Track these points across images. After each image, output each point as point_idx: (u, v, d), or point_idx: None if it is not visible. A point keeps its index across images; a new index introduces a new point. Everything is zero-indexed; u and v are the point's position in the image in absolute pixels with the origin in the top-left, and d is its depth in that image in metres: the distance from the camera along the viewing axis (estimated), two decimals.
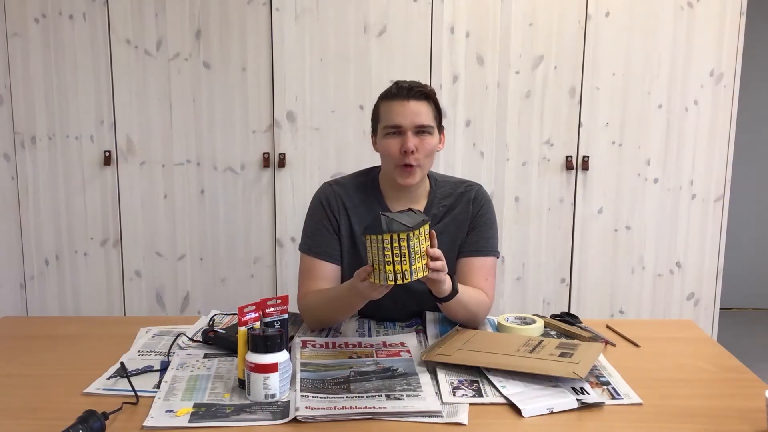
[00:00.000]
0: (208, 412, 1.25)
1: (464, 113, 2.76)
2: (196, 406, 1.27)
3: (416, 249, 1.36)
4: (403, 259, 1.34)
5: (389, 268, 1.34)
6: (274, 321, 1.44)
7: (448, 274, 1.51)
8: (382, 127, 1.67)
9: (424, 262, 1.39)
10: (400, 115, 1.63)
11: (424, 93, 1.65)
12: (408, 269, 1.35)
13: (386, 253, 1.34)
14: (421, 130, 1.64)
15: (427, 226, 1.43)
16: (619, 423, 1.24)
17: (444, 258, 1.46)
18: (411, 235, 1.34)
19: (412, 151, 1.62)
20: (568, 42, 2.73)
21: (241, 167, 2.79)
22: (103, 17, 2.70)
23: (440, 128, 1.71)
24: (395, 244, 1.34)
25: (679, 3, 2.71)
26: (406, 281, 1.35)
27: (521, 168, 2.80)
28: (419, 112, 1.63)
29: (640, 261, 2.86)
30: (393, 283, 1.36)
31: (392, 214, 1.37)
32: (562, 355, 1.43)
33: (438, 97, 1.71)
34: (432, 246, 1.44)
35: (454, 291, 1.54)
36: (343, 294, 1.57)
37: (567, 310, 2.56)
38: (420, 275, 1.38)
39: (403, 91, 1.64)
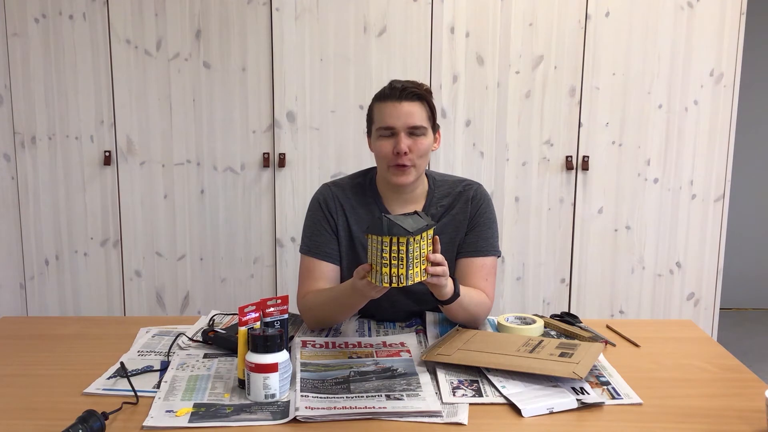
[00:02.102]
0: (208, 412, 1.25)
1: (464, 113, 2.76)
2: (196, 406, 1.27)
3: (415, 254, 1.36)
4: (400, 263, 1.34)
5: (386, 270, 1.34)
6: (274, 321, 1.44)
7: (450, 276, 1.50)
8: (375, 128, 1.67)
9: (423, 267, 1.39)
10: (392, 116, 1.63)
11: (416, 93, 1.63)
12: (404, 273, 1.34)
13: (384, 255, 1.34)
14: (414, 131, 1.63)
15: (431, 231, 1.42)
16: (619, 423, 1.24)
17: (446, 262, 1.45)
18: (411, 239, 1.33)
19: (405, 152, 1.62)
20: (568, 42, 2.73)
21: (241, 167, 2.79)
22: (103, 17, 2.70)
23: (434, 128, 1.70)
24: (394, 248, 1.33)
25: (679, 3, 2.71)
26: (401, 285, 1.35)
27: (521, 168, 2.80)
28: (412, 113, 1.63)
29: (640, 261, 2.86)
30: (388, 285, 1.36)
31: (395, 217, 1.36)
32: (562, 355, 1.43)
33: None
34: (434, 251, 1.44)
35: (456, 294, 1.54)
36: (342, 293, 1.57)
37: (567, 310, 2.56)
38: (417, 280, 1.37)
39: (395, 92, 1.63)
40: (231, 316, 1.78)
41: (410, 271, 1.35)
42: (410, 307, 1.74)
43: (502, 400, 1.30)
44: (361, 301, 1.55)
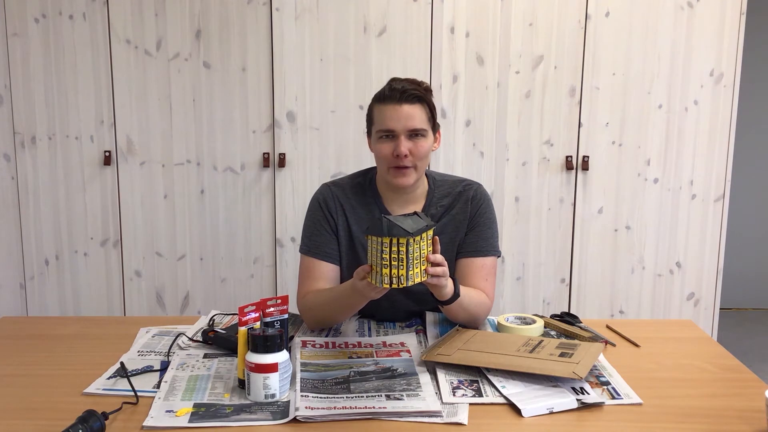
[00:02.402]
0: (208, 412, 1.25)
1: (464, 113, 2.76)
2: (196, 406, 1.27)
3: (415, 255, 1.36)
4: (400, 264, 1.34)
5: (386, 271, 1.34)
6: (274, 321, 1.44)
7: (450, 276, 1.50)
8: (375, 130, 1.67)
9: (423, 267, 1.39)
10: (392, 119, 1.61)
11: (416, 95, 1.62)
12: (404, 274, 1.34)
13: (384, 256, 1.34)
14: (414, 134, 1.63)
15: (430, 232, 1.42)
16: (619, 423, 1.24)
17: (446, 263, 1.45)
18: (411, 240, 1.33)
19: (406, 155, 1.62)
20: (568, 42, 2.73)
21: (241, 167, 2.79)
22: (103, 17, 2.70)
23: (434, 128, 1.69)
24: (394, 248, 1.33)
25: (679, 3, 2.71)
26: (401, 286, 1.35)
27: (521, 168, 2.80)
28: (412, 115, 1.61)
29: (640, 261, 2.86)
30: (388, 286, 1.36)
31: (395, 218, 1.36)
32: (562, 355, 1.43)
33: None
34: (434, 252, 1.44)
35: (456, 294, 1.54)
36: (343, 293, 1.57)
37: (567, 310, 2.56)
38: (417, 280, 1.37)
39: (395, 93, 1.61)
40: (231, 316, 1.78)
41: (410, 272, 1.35)
42: (410, 307, 1.74)
43: (502, 400, 1.30)
44: (361, 302, 1.55)
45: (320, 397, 1.28)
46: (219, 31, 2.71)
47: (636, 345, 1.61)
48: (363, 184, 1.76)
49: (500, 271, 2.85)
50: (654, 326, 1.80)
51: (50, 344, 1.60)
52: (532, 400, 1.28)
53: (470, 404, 1.29)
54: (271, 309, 1.44)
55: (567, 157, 2.78)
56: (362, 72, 2.73)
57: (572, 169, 2.80)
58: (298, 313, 1.73)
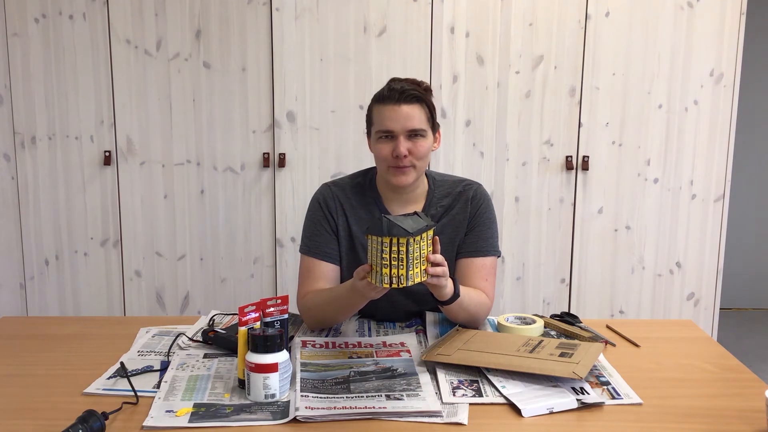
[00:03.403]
0: (208, 412, 1.25)
1: (464, 113, 2.76)
2: (196, 406, 1.27)
3: (415, 255, 1.36)
4: (400, 264, 1.34)
5: (386, 271, 1.34)
6: (274, 321, 1.44)
7: (450, 276, 1.50)
8: (374, 131, 1.67)
9: (423, 267, 1.39)
10: (391, 120, 1.61)
11: (415, 96, 1.62)
12: (404, 274, 1.34)
13: (384, 256, 1.34)
14: (413, 134, 1.63)
15: (431, 232, 1.42)
16: (619, 423, 1.24)
17: (446, 263, 1.45)
18: (411, 240, 1.33)
19: (405, 155, 1.62)
20: (568, 42, 2.73)
21: (241, 167, 2.79)
22: (103, 17, 2.70)
23: (434, 128, 1.69)
24: (394, 248, 1.33)
25: (679, 3, 2.71)
26: (401, 285, 1.35)
27: (521, 168, 2.80)
28: (411, 116, 1.61)
29: (640, 261, 2.86)
30: (388, 286, 1.36)
31: (395, 218, 1.36)
32: (562, 355, 1.43)
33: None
34: (434, 252, 1.44)
35: (456, 294, 1.54)
36: (343, 293, 1.57)
37: (567, 310, 2.56)
38: (417, 280, 1.37)
39: (394, 94, 1.61)
40: (231, 316, 1.78)
41: (410, 272, 1.35)
42: (410, 307, 1.74)
43: (502, 400, 1.30)
44: (361, 302, 1.55)
45: (320, 397, 1.29)
46: (219, 31, 2.71)
47: (636, 345, 1.61)
48: (363, 184, 1.76)
49: (500, 271, 2.85)
50: (654, 326, 1.81)
51: (50, 344, 1.60)
52: (532, 400, 1.28)
53: (470, 404, 1.29)
54: (271, 309, 1.44)
55: (567, 157, 2.78)
56: (362, 72, 2.73)
57: (572, 169, 2.80)
58: (298, 313, 1.73)
